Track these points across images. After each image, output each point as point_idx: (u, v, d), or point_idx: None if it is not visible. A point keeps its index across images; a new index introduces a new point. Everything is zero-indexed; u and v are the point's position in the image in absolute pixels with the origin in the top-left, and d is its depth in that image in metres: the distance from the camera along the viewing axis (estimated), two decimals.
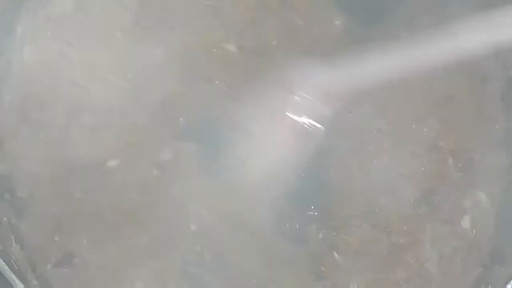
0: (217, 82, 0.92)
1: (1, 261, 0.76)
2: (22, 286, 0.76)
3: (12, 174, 0.90)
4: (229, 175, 0.88)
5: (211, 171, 0.89)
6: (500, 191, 0.90)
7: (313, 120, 0.82)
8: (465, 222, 0.89)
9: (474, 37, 0.76)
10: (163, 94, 0.92)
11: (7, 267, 0.76)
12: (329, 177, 0.89)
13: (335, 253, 0.87)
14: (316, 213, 0.88)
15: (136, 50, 0.94)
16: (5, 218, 0.86)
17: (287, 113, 0.83)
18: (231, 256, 0.88)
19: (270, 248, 0.87)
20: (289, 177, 0.87)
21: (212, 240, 0.88)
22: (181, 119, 0.91)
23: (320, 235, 0.87)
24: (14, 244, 0.84)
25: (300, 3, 0.95)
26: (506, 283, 0.78)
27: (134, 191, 0.89)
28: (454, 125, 0.92)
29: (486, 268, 0.87)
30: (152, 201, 0.89)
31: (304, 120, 0.82)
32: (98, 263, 0.87)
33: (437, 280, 0.87)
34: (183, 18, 0.95)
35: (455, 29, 0.77)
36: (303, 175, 0.88)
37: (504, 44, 0.75)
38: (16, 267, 0.80)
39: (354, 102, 0.88)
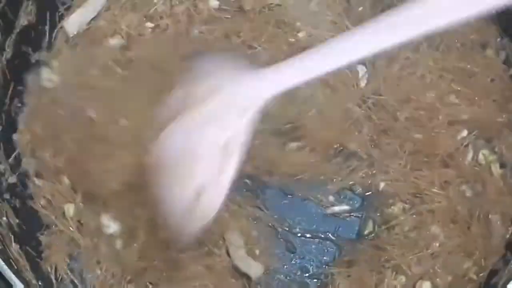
0: None
1: (1, 261, 0.76)
2: (22, 286, 0.76)
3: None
4: None
5: None
6: None
7: None
8: None
9: None
10: None
11: (6, 267, 0.76)
12: None
13: None
14: None
15: None
16: (4, 218, 0.85)
17: None
18: None
19: None
20: None
21: None
22: None
23: None
24: (13, 244, 0.84)
25: None
26: (507, 283, 0.78)
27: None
28: None
29: None
30: None
31: None
32: None
33: None
34: None
35: None
36: None
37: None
38: (15, 267, 0.79)
39: None
